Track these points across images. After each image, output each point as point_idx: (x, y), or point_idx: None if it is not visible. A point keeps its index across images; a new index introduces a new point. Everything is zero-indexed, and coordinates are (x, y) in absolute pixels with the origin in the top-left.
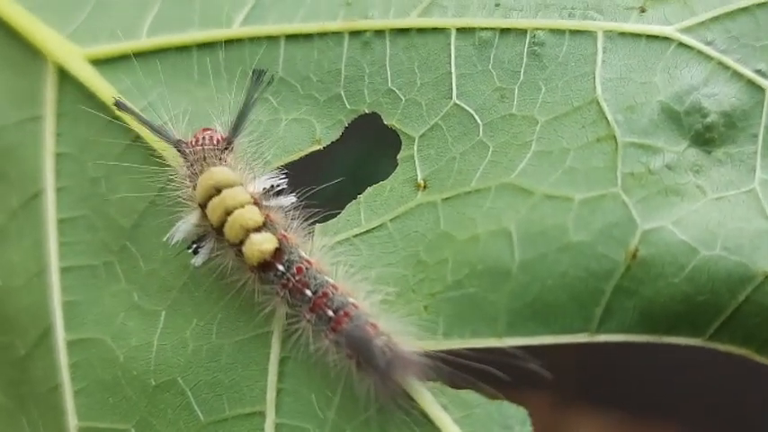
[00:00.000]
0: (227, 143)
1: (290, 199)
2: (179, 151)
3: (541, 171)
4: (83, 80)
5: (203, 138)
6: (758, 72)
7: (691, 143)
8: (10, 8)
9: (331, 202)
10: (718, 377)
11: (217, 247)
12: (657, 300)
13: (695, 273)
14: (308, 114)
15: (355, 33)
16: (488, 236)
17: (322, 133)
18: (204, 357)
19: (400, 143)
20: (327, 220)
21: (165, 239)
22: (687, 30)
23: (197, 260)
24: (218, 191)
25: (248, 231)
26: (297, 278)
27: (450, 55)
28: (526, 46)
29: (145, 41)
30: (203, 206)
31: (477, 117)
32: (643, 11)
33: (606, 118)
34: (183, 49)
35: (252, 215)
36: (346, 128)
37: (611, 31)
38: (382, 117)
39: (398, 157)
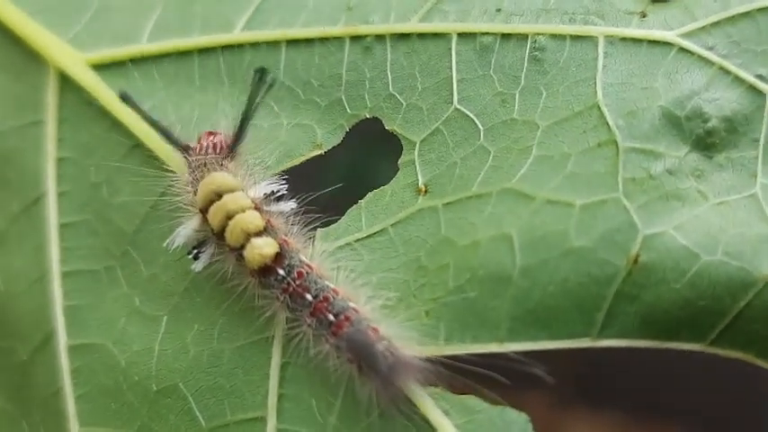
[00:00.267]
0: (231, 150)
1: (290, 204)
2: (184, 157)
3: (542, 176)
4: (84, 85)
5: (207, 144)
6: (759, 77)
7: (692, 148)
8: (11, 13)
9: (332, 206)
10: (717, 378)
11: (217, 253)
12: (659, 305)
13: (696, 278)
14: (309, 119)
15: (356, 38)
16: (489, 241)
17: (323, 138)
18: (205, 362)
19: (401, 148)
20: (328, 225)
21: (165, 245)
22: (688, 35)
23: (197, 265)
24: (219, 196)
25: (249, 235)
26: (297, 282)
27: (452, 60)
28: (527, 51)
29: (146, 46)
30: (204, 211)
31: (478, 122)
32: (644, 16)
33: (607, 123)
34: (184, 54)
35: (253, 219)
36: (347, 132)
37: (612, 36)
38: (383, 122)
39: (399, 161)
